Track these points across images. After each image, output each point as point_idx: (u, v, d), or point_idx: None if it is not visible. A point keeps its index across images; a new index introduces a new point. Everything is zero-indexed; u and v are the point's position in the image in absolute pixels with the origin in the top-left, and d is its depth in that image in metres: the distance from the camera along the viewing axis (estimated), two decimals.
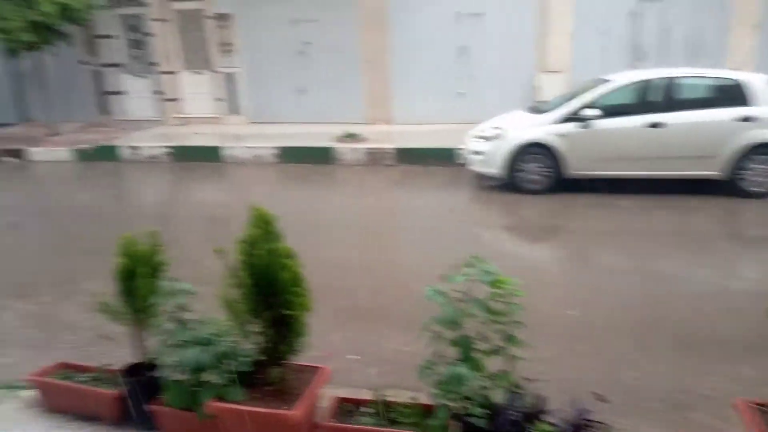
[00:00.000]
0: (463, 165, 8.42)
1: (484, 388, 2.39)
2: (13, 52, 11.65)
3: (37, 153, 11.31)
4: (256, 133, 11.68)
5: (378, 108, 12.11)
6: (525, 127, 7.56)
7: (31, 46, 11.44)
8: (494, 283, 2.37)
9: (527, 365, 2.46)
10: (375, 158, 9.78)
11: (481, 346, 2.43)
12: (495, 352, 2.45)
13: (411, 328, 3.80)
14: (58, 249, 6.32)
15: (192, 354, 2.46)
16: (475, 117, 10.52)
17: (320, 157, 9.98)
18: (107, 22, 13.42)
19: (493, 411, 2.35)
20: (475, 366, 2.38)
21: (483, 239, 6.17)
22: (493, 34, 11.37)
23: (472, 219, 6.96)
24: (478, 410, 2.30)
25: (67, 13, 11.23)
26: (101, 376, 2.93)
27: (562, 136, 7.31)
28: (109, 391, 2.77)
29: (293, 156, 10.12)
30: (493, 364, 2.44)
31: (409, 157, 9.63)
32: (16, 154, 11.37)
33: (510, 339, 2.43)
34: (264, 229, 2.38)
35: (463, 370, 2.30)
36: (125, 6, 13.35)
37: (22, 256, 6.07)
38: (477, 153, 7.79)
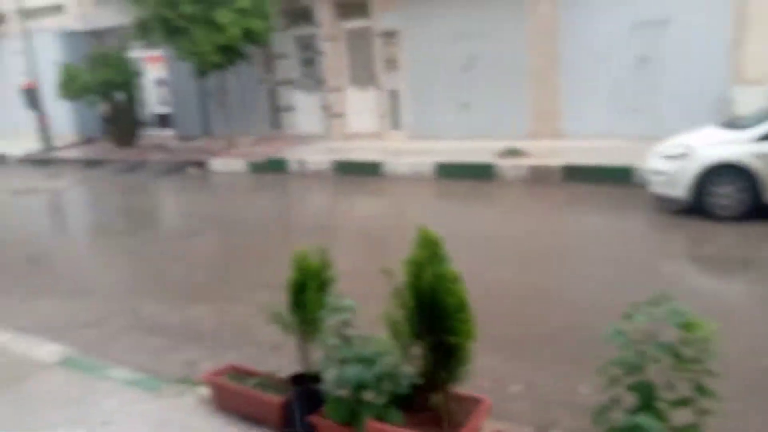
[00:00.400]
0: (640, 185, 7.81)
1: None
2: (201, 73, 12.93)
3: (216, 164, 12.38)
4: (416, 149, 11.83)
5: (544, 122, 11.68)
6: (717, 145, 6.80)
7: (217, 67, 12.61)
8: (685, 326, 2.10)
9: (713, 419, 2.16)
10: (539, 175, 9.40)
11: (666, 394, 2.18)
12: (682, 402, 2.18)
13: (580, 365, 3.57)
14: (231, 256, 6.80)
15: (354, 371, 2.46)
16: (653, 133, 9.69)
17: (480, 173, 9.83)
18: (283, 42, 14.37)
19: None
20: (658, 416, 2.14)
21: (664, 271, 5.54)
22: (677, 43, 10.44)
23: (651, 247, 6.29)
24: None
25: (250, 36, 12.24)
26: (267, 382, 3.05)
27: (763, 156, 6.49)
28: (274, 398, 2.87)
29: (452, 172, 10.07)
30: (678, 415, 2.18)
31: (578, 174, 9.08)
32: (200, 165, 12.53)
33: (700, 390, 2.15)
34: (431, 251, 2.32)
35: (645, 419, 2.06)
36: (300, 27, 14.23)
37: (201, 261, 6.61)
38: (658, 173, 7.12)
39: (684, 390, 2.17)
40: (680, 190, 6.85)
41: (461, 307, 2.36)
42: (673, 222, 6.90)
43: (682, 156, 6.89)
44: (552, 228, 7.31)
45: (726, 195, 6.62)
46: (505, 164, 9.68)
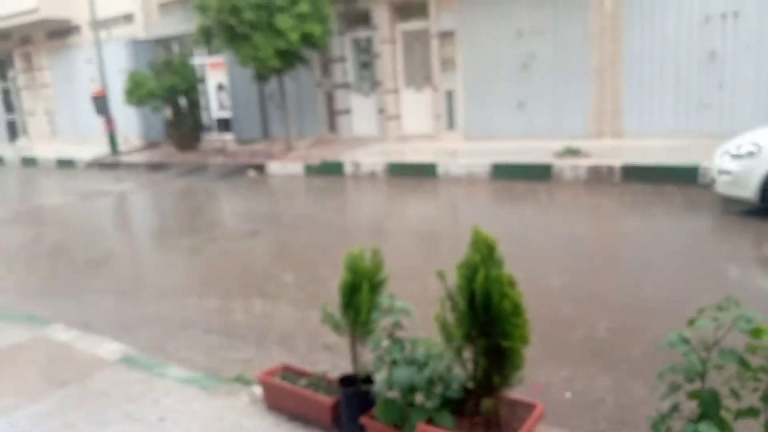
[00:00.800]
0: (706, 186, 7.47)
1: None
2: (261, 77, 13.20)
3: (274, 167, 12.61)
4: (471, 150, 11.72)
5: (606, 121, 11.35)
6: None
7: (276, 71, 12.85)
8: (754, 333, 1.99)
9: None
10: (599, 176, 9.14)
11: (730, 404, 2.07)
12: (749, 413, 2.06)
13: (639, 372, 3.45)
14: (287, 256, 6.91)
15: (405, 374, 2.44)
16: (722, 131, 9.35)
17: (538, 174, 9.64)
18: (340, 45, 14.52)
19: None
20: (722, 426, 2.03)
21: (730, 274, 5.27)
22: (750, 37, 9.97)
23: (716, 250, 5.99)
24: None
25: (309, 40, 12.43)
26: (318, 382, 3.06)
27: None
28: (325, 398, 2.87)
29: (508, 173, 9.92)
30: (743, 427, 2.07)
31: (639, 174, 8.78)
32: (259, 168, 12.79)
33: None
34: (485, 253, 2.27)
35: (708, 428, 1.96)
36: (357, 30, 14.34)
37: (258, 261, 6.74)
38: (724, 172, 6.78)
39: (750, 400, 2.06)
40: (747, 190, 6.51)
41: (516, 310, 2.31)
42: (739, 224, 6.57)
43: (750, 155, 6.55)
44: (611, 230, 7.09)
45: None
46: (564, 164, 9.46)
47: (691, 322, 2.09)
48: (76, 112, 20.65)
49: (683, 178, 8.37)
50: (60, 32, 20.24)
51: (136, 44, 17.75)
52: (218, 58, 15.51)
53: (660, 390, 2.16)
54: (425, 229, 7.69)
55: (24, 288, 6.17)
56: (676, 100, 10.68)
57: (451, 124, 13.29)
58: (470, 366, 2.43)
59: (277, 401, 3.10)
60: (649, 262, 5.63)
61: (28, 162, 18.08)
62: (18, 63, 22.29)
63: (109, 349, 4.02)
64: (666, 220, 7.15)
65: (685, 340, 2.07)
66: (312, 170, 12.08)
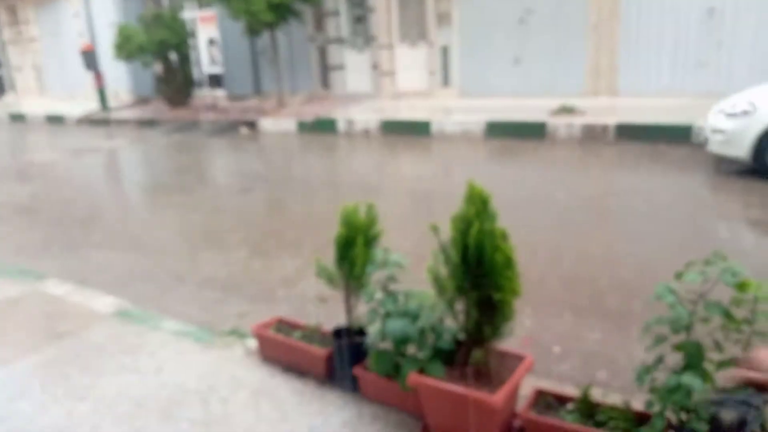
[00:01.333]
0: (700, 145, 7.47)
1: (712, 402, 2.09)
2: (253, 32, 12.96)
3: (267, 124, 12.50)
4: (466, 107, 11.64)
5: (602, 79, 11.26)
6: None
7: (269, 25, 12.61)
8: (740, 286, 2.03)
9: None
10: (593, 134, 9.12)
11: (714, 355, 2.12)
12: (729, 363, 2.12)
13: (627, 325, 3.52)
14: (281, 212, 6.92)
15: (398, 325, 2.48)
16: (719, 90, 9.31)
17: (532, 132, 9.61)
18: None
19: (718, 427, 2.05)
20: (704, 377, 2.09)
21: (720, 233, 5.31)
22: None
23: (707, 208, 6.04)
24: (704, 426, 2.01)
25: None
26: (312, 334, 3.11)
27: None
28: (319, 350, 2.93)
29: (503, 131, 9.87)
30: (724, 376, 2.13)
31: (634, 133, 8.77)
32: (251, 125, 12.67)
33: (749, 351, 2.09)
34: (479, 207, 2.28)
35: (691, 379, 2.01)
36: None
37: (251, 217, 6.75)
38: (718, 131, 6.75)
39: (733, 351, 2.12)
40: (741, 149, 6.53)
41: (508, 264, 2.33)
42: (731, 183, 6.61)
43: (744, 113, 6.53)
44: (603, 188, 7.12)
45: None
46: (558, 122, 9.43)
47: (678, 276, 2.13)
48: (64, 67, 20.29)
49: (677, 137, 8.37)
50: None
51: None
52: (209, 12, 15.18)
53: (646, 342, 2.21)
54: (418, 185, 7.70)
55: (16, 244, 6.17)
56: (673, 58, 10.60)
57: (446, 80, 13.15)
58: (462, 318, 2.47)
59: (271, 353, 3.15)
60: (640, 220, 5.68)
61: (17, 118, 17.83)
62: (3, 16, 21.74)
63: (104, 302, 4.05)
64: (658, 178, 7.17)
65: (672, 293, 2.11)
66: (305, 127, 11.98)
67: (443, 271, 2.42)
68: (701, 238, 5.06)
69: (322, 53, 14.84)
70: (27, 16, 20.90)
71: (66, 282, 4.51)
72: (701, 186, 6.78)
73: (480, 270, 2.30)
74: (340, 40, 14.49)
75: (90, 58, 16.27)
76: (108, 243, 5.99)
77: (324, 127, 11.79)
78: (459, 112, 11.16)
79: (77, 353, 3.36)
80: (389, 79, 13.91)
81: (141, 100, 17.76)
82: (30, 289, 4.40)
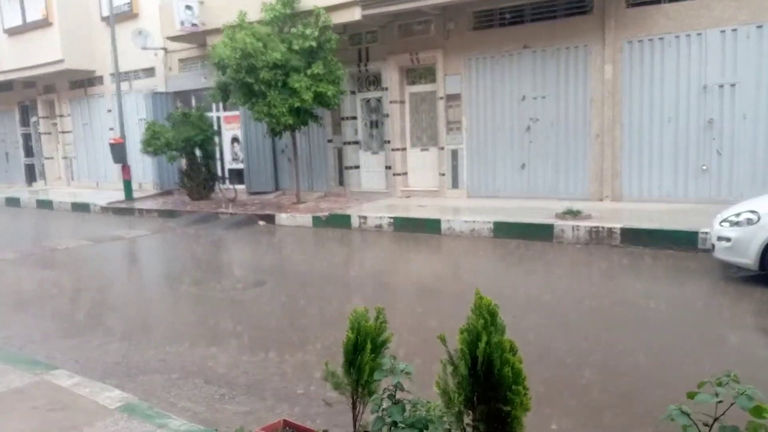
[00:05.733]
0: (704, 251, 7.49)
1: None
2: (275, 133, 13.57)
3: (284, 218, 12.77)
4: (474, 207, 11.91)
5: (605, 184, 11.54)
6: None
7: (289, 128, 13.21)
8: (755, 411, 2.00)
9: None
10: (599, 237, 9.21)
11: None
12: None
13: None
14: (292, 309, 6.93)
15: None
16: (720, 196, 9.53)
17: (539, 233, 9.72)
18: (351, 105, 14.99)
19: None
20: None
21: (730, 343, 5.24)
22: (748, 106, 10.22)
23: (715, 317, 6.02)
24: None
25: (321, 100, 12.89)
26: None
27: None
28: None
29: (509, 231, 10.00)
30: None
31: (639, 238, 8.84)
32: (269, 219, 12.95)
33: None
34: (488, 319, 2.32)
35: None
36: (368, 91, 14.81)
37: (262, 312, 6.76)
38: (723, 238, 6.84)
39: None
40: (747, 257, 6.58)
41: (517, 378, 2.32)
42: (739, 290, 6.62)
43: (748, 222, 6.65)
44: (611, 293, 7.08)
45: None
46: (565, 225, 9.56)
47: (690, 396, 2.11)
48: (93, 158, 21.09)
49: (683, 242, 8.43)
50: (83, 82, 20.88)
51: (155, 96, 18.25)
52: (234, 113, 15.91)
53: None
54: (428, 283, 7.72)
55: (31, 330, 6.20)
56: (674, 165, 10.91)
57: (455, 182, 13.53)
58: (470, 431, 2.44)
59: None
60: (648, 327, 5.63)
61: (44, 204, 18.32)
62: (41, 110, 22.87)
63: (111, 396, 4.03)
64: (666, 284, 7.18)
65: (684, 413, 2.09)
66: (320, 222, 12.21)
67: (451, 382, 2.42)
68: (711, 347, 5.01)
69: (339, 154, 15.37)
70: (63, 109, 21.98)
71: (74, 374, 4.51)
72: (710, 293, 6.76)
73: (488, 383, 2.30)
74: (356, 143, 15.05)
75: (119, 151, 16.91)
76: (119, 332, 6.01)
77: (338, 222, 12.02)
78: (467, 212, 11.41)
79: None
80: (401, 178, 14.33)
81: (164, 192, 18.27)
82: (37, 379, 4.40)
